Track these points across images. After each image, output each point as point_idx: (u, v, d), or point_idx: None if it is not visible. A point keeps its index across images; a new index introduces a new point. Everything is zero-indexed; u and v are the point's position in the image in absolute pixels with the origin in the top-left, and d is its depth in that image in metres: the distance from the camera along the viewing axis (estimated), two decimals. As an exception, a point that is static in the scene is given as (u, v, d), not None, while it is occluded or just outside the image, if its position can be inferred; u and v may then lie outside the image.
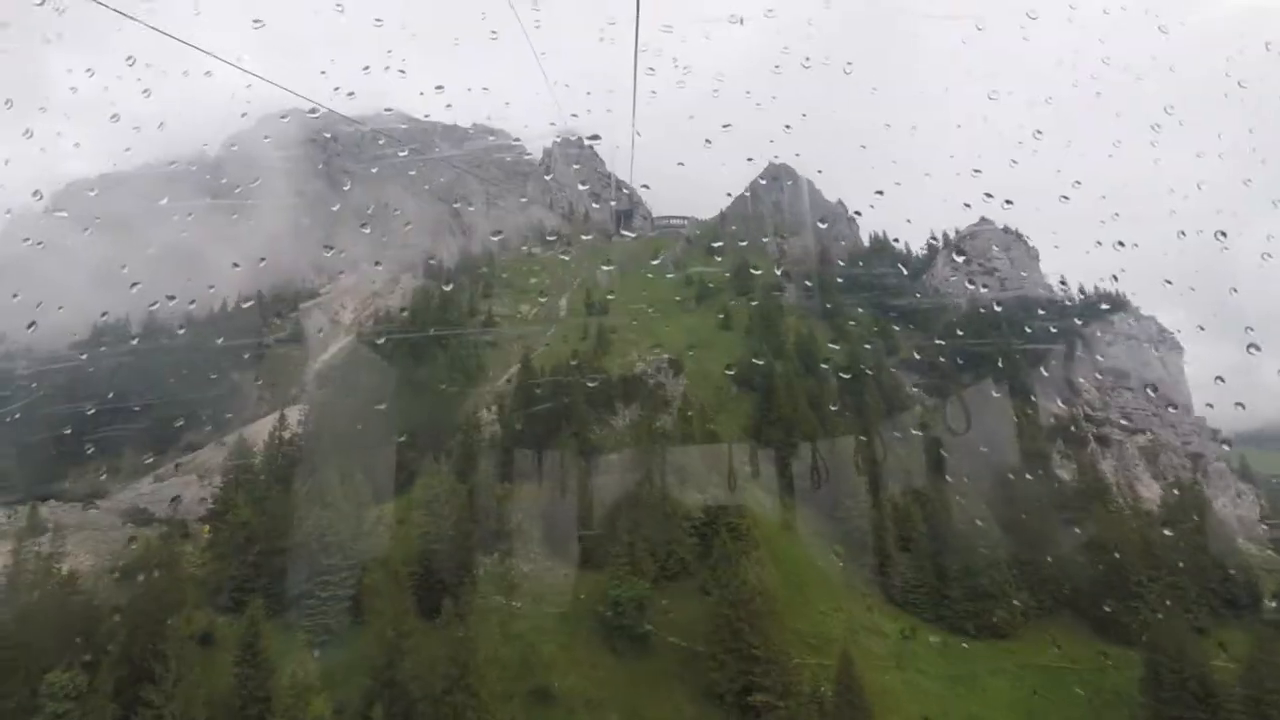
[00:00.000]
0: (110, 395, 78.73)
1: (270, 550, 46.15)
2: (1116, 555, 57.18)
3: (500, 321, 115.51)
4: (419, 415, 72.78)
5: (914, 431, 72.03)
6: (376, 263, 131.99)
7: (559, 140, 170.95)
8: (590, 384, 72.97)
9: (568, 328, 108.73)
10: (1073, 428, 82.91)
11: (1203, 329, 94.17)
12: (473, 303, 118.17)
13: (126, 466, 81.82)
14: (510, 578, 55.34)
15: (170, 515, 61.98)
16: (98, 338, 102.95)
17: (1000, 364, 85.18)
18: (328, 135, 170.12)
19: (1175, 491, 72.71)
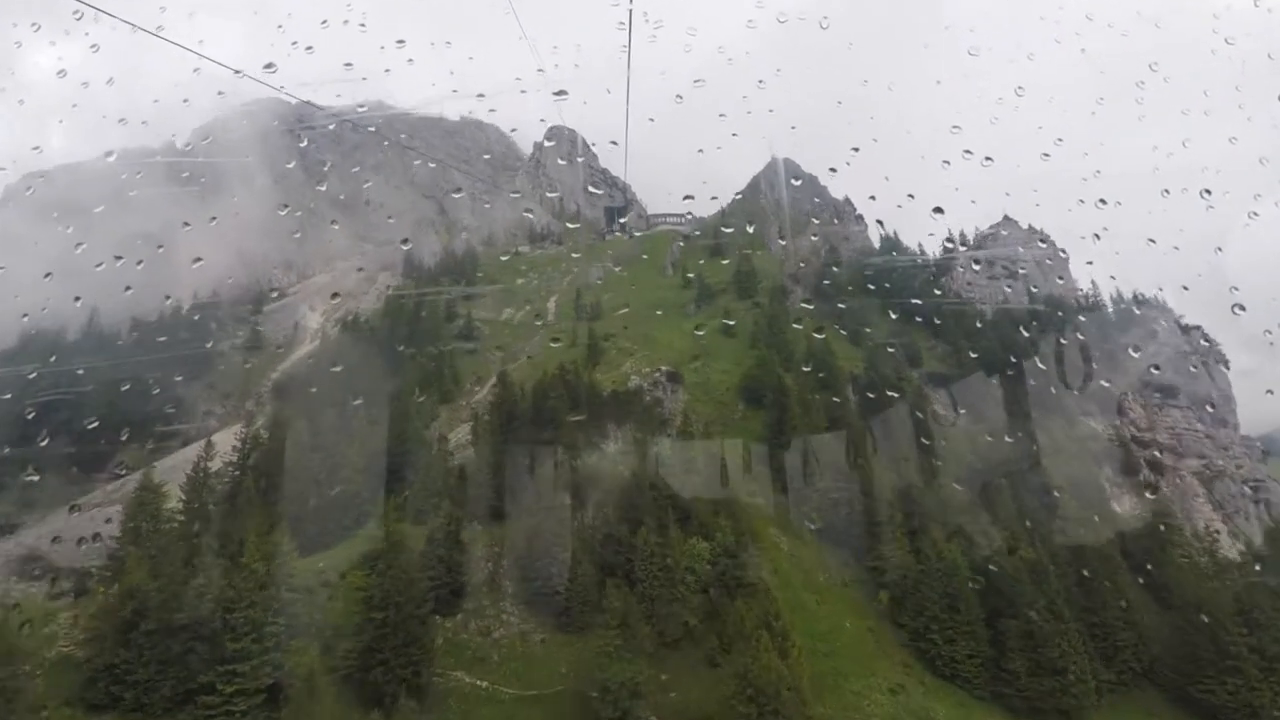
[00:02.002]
0: (39, 406, 68.81)
1: (163, 628, 36.15)
2: (1201, 613, 47.89)
3: (482, 326, 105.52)
4: (379, 439, 62.86)
5: (956, 465, 62.48)
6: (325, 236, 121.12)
7: (553, 128, 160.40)
8: (576, 416, 63.12)
9: (555, 333, 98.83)
10: (1123, 452, 73.65)
11: (1186, 289, 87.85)
12: (452, 305, 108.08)
13: (44, 495, 71.33)
14: (476, 647, 45.52)
15: (72, 564, 51.84)
16: (30, 340, 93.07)
17: (1036, 379, 75.85)
18: (305, 121, 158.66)
19: (1253, 527, 63.42)
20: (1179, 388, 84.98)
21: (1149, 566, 54.03)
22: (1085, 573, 50.83)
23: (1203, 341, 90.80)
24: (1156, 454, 76.77)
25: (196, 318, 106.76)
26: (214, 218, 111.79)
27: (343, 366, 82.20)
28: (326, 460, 58.94)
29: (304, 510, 53.17)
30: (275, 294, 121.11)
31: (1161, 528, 57.64)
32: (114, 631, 36.51)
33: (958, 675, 46.69)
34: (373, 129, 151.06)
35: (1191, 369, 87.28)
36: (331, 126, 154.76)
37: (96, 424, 72.95)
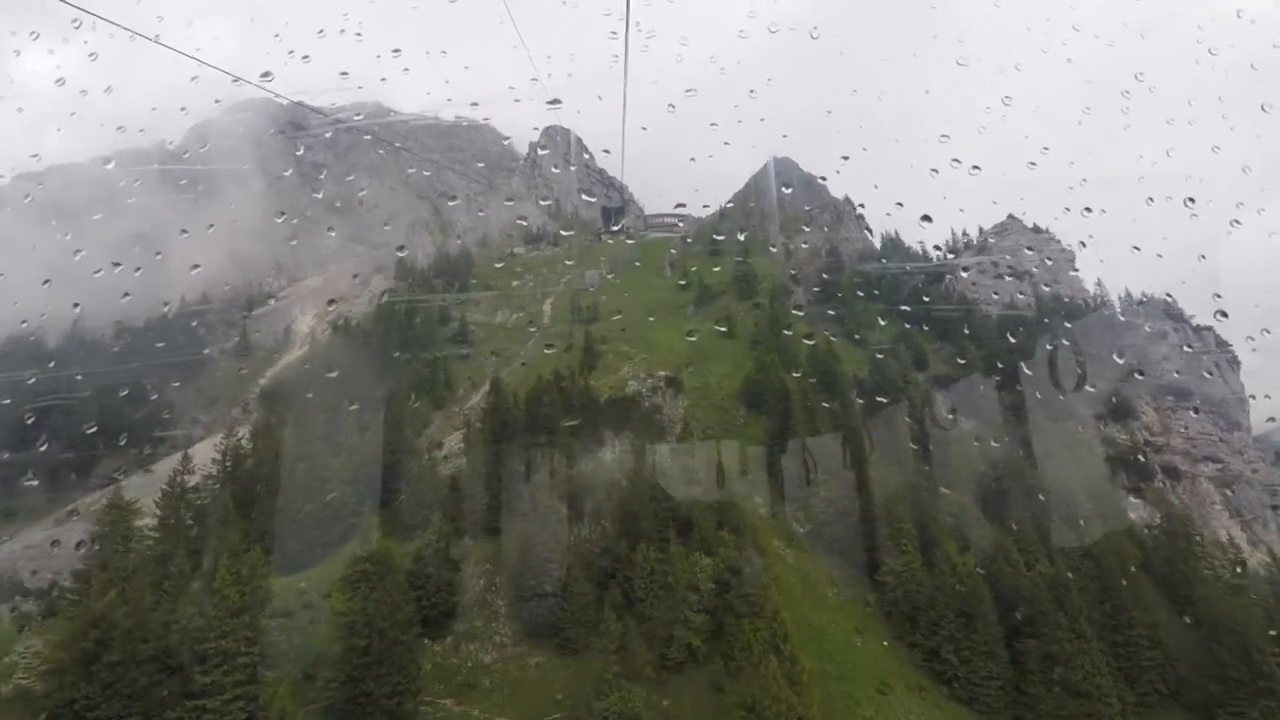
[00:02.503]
0: (22, 415, 66.60)
1: (128, 659, 33.67)
2: (1229, 630, 45.61)
3: (476, 330, 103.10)
4: (368, 448, 60.47)
5: (966, 473, 60.16)
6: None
7: (549, 129, 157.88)
8: (572, 424, 60.80)
9: (551, 337, 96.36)
10: (1137, 458, 71.37)
11: (1170, 296, 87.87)
12: (445, 309, 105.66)
13: (24, 506, 68.94)
14: (466, 673, 43.07)
15: (41, 583, 49.39)
16: (13, 345, 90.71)
17: (1045, 382, 73.55)
18: (298, 123, 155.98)
19: (1272, 535, 61.17)
20: (1192, 390, 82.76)
21: (1171, 580, 51.90)
22: (1105, 587, 48.61)
23: (1214, 344, 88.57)
24: (1171, 459, 74.51)
25: (187, 323, 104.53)
26: (211, 225, 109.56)
27: (333, 372, 79.69)
28: (313, 471, 56.40)
29: (288, 525, 50.63)
30: (267, 298, 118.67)
31: (1181, 538, 55.33)
32: (75, 663, 33.94)
33: (975, 698, 44.26)
34: (368, 136, 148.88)
35: (1205, 372, 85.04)
36: (328, 134, 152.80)
37: (86, 431, 70.84)
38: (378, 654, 37.67)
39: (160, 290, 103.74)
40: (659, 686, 41.73)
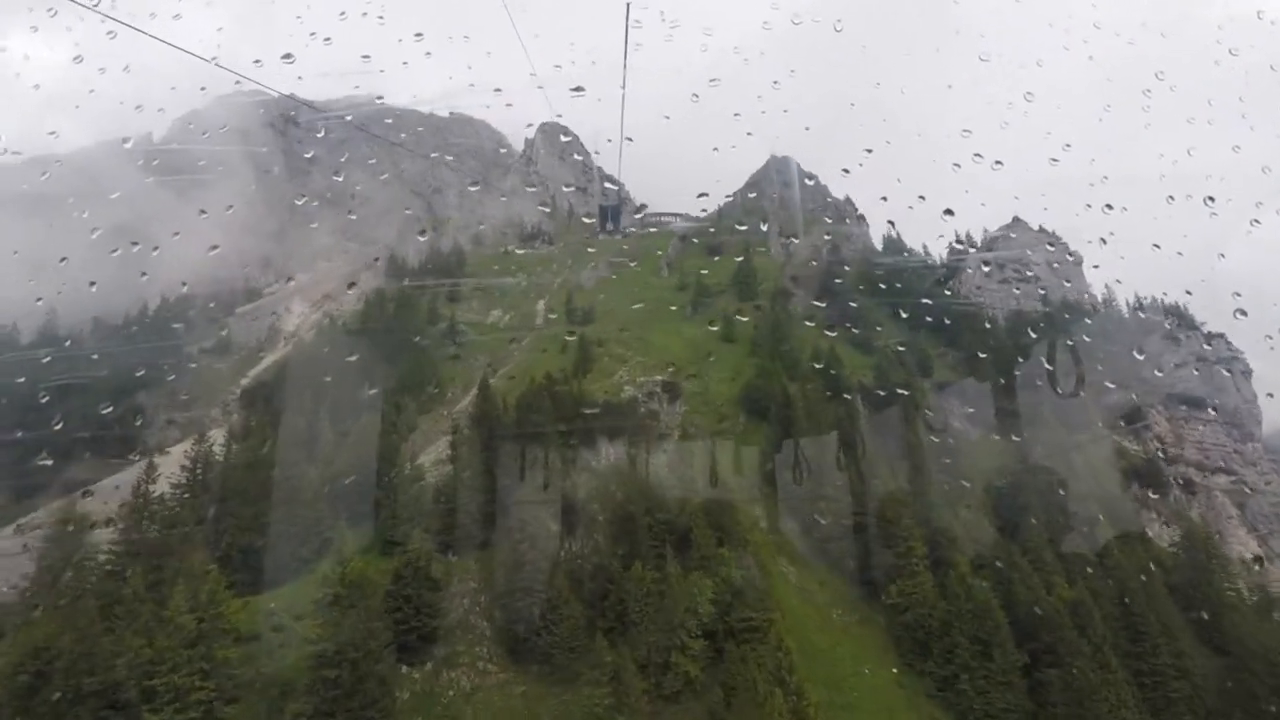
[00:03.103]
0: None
1: (70, 694, 30.57)
2: (1259, 657, 43.00)
3: (468, 330, 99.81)
4: (352, 455, 57.44)
5: (978, 487, 57.34)
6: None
7: (545, 125, 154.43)
8: (565, 431, 57.83)
9: (545, 339, 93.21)
10: (1152, 470, 68.71)
11: (1190, 294, 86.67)
12: (436, 308, 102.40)
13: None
14: (448, 702, 40.03)
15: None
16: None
17: (1054, 391, 70.82)
18: (290, 115, 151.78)
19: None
20: (1205, 399, 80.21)
21: (1195, 603, 49.23)
22: (1127, 611, 45.82)
23: (1226, 352, 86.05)
24: (1185, 471, 71.92)
25: (169, 320, 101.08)
26: (215, 207, 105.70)
27: (317, 373, 76.38)
28: (291, 479, 53.17)
29: (263, 538, 47.60)
30: (252, 295, 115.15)
31: (1203, 556, 52.69)
32: (12, 697, 30.81)
33: (992, 731, 41.48)
34: (369, 133, 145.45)
35: (1223, 370, 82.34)
36: (321, 131, 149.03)
37: (54, 433, 67.50)
38: (348, 686, 34.61)
39: (141, 287, 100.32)
40: (654, 718, 38.83)
